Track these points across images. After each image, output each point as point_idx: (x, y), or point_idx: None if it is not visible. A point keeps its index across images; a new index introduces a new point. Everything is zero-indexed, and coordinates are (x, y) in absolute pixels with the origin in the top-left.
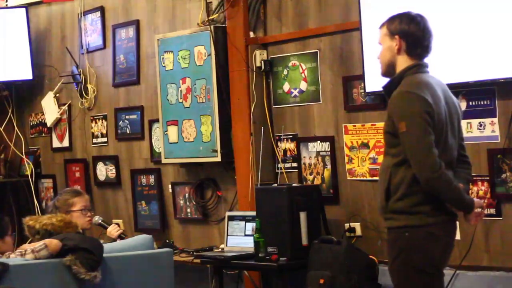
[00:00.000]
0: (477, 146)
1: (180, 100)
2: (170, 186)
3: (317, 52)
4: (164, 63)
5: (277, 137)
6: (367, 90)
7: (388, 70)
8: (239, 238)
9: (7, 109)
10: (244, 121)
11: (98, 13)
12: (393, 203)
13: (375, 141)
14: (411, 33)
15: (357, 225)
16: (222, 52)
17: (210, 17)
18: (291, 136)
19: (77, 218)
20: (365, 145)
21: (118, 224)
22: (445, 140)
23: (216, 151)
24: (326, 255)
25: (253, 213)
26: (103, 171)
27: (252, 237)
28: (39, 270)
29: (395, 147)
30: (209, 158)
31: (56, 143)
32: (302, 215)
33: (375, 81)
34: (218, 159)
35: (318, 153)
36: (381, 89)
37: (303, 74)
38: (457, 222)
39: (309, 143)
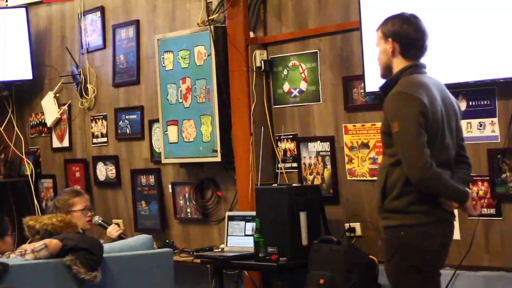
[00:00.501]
0: (477, 146)
1: (180, 100)
2: (170, 186)
3: (317, 52)
4: (164, 63)
5: (277, 137)
6: (367, 90)
7: (386, 72)
8: (239, 238)
9: (7, 109)
10: (244, 121)
11: (98, 13)
12: (389, 202)
13: (375, 141)
14: (404, 35)
15: (357, 225)
16: (222, 52)
17: (210, 17)
18: (291, 136)
19: (77, 218)
20: (365, 145)
21: (118, 224)
22: (442, 140)
23: (216, 151)
24: (326, 255)
25: (253, 213)
26: (103, 171)
27: (252, 237)
28: (39, 270)
29: (391, 147)
30: (209, 158)
31: (56, 143)
32: (302, 215)
33: (375, 81)
34: (218, 159)
35: (318, 153)
36: None
37: (303, 74)
38: (455, 223)
39: (309, 143)
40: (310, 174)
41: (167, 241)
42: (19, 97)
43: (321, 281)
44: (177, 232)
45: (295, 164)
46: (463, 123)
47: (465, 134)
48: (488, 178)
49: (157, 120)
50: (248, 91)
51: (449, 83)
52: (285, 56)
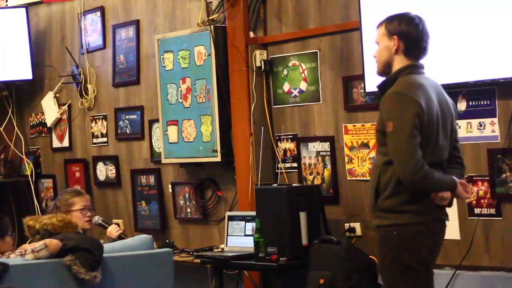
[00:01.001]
0: (477, 146)
1: (180, 100)
2: (170, 186)
3: (317, 52)
4: (164, 63)
5: (277, 137)
6: (367, 90)
7: (384, 69)
8: (239, 238)
9: (7, 109)
10: (244, 121)
11: (98, 13)
12: (382, 201)
13: (375, 141)
14: (410, 34)
15: (357, 225)
16: (222, 52)
17: (210, 17)
18: (291, 136)
19: (77, 218)
20: (365, 145)
21: (118, 224)
22: (436, 141)
23: (216, 151)
24: (326, 255)
25: (253, 213)
26: (103, 171)
27: (252, 237)
28: (39, 270)
29: (385, 145)
30: (209, 158)
31: (56, 143)
32: (302, 215)
33: (375, 81)
34: (218, 159)
35: (318, 153)
36: None
37: (303, 74)
38: (455, 223)
39: (309, 143)
40: (310, 174)
41: (167, 241)
42: (19, 97)
43: (321, 281)
44: (177, 232)
45: (295, 164)
46: (463, 123)
47: (465, 134)
48: (488, 178)
49: (157, 120)
50: (248, 91)
51: (449, 83)
52: (285, 56)
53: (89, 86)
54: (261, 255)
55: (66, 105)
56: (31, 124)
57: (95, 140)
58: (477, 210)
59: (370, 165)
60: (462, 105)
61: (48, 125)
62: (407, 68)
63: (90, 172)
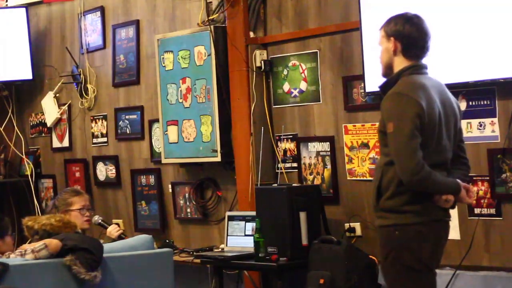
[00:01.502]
0: (477, 146)
1: (180, 100)
2: (170, 186)
3: (317, 52)
4: (164, 63)
5: (277, 137)
6: (367, 90)
7: (387, 71)
8: (239, 238)
9: (7, 109)
10: (244, 121)
11: (98, 13)
12: (384, 201)
13: (375, 141)
14: (406, 34)
15: (357, 225)
16: (222, 52)
17: (210, 17)
18: (291, 136)
19: (75, 218)
20: (365, 145)
21: (118, 224)
22: (438, 141)
23: (216, 151)
24: (326, 255)
25: (253, 213)
26: (103, 171)
27: (252, 237)
28: (39, 270)
29: (387, 146)
30: (209, 158)
31: (56, 143)
32: (302, 215)
33: (375, 81)
34: (218, 159)
35: (318, 153)
36: None
37: (303, 74)
38: (455, 222)
39: (309, 143)
40: (310, 174)
41: (167, 241)
42: (19, 97)
43: (321, 281)
44: (177, 232)
45: (295, 164)
46: (463, 123)
47: (465, 134)
48: (488, 178)
49: (157, 120)
50: (248, 91)
51: (449, 83)
52: (285, 56)
53: (89, 86)
54: (261, 255)
55: (66, 105)
56: (31, 124)
57: (95, 140)
58: (477, 210)
59: (370, 165)
60: (462, 105)
61: (48, 125)
62: (409, 69)
63: (90, 172)
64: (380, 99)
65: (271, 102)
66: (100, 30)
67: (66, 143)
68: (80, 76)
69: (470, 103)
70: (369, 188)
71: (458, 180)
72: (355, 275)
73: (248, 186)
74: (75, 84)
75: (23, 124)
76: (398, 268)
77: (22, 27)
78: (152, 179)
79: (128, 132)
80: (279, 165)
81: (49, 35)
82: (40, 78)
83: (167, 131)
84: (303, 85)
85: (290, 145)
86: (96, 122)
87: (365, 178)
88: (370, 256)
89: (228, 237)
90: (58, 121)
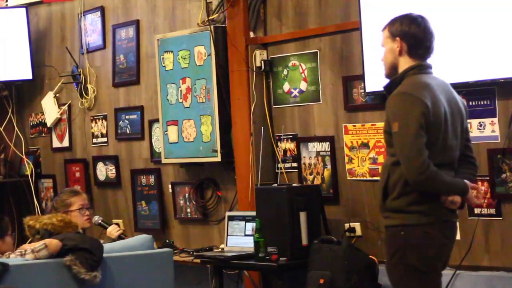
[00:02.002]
0: (477, 146)
1: (180, 100)
2: (170, 186)
3: (317, 52)
4: (164, 63)
5: (277, 137)
6: (367, 90)
7: (391, 71)
8: (239, 238)
9: (7, 109)
10: (244, 121)
11: (98, 13)
12: (390, 202)
13: (375, 141)
14: (412, 35)
15: (357, 225)
16: (222, 52)
17: (210, 17)
18: (291, 136)
19: (76, 218)
20: (365, 145)
21: (118, 224)
22: (444, 141)
23: (216, 151)
24: (326, 255)
25: (253, 213)
26: (103, 171)
27: (252, 237)
28: (39, 270)
29: (392, 146)
30: (209, 158)
31: (56, 143)
32: (302, 215)
33: (375, 81)
34: (218, 159)
35: (318, 153)
36: (381, 89)
37: (303, 74)
38: (457, 223)
39: (309, 143)
40: (310, 174)
41: (167, 241)
42: (19, 97)
43: (321, 281)
44: (177, 232)
45: (295, 164)
46: None
47: None
48: (488, 178)
49: (157, 120)
50: (248, 91)
51: (449, 83)
52: (285, 56)
53: (89, 86)
54: (261, 255)
55: (66, 105)
56: (31, 124)
57: (95, 140)
58: (477, 210)
59: (370, 165)
60: None
61: (48, 125)
62: (413, 68)
63: (90, 172)
64: (381, 99)
65: (271, 102)
66: (100, 30)
67: (66, 143)
68: (80, 76)
69: (470, 103)
70: (370, 188)
71: (466, 181)
72: (355, 275)
73: (248, 186)
74: (75, 84)
75: (23, 124)
76: (403, 268)
77: (22, 27)
78: (152, 179)
79: (128, 132)
80: (279, 165)
81: (49, 35)
82: (40, 78)
83: (167, 131)
84: (303, 85)
85: (290, 145)
86: (96, 122)
87: (365, 178)
88: (370, 256)
89: (228, 237)
90: (58, 121)
